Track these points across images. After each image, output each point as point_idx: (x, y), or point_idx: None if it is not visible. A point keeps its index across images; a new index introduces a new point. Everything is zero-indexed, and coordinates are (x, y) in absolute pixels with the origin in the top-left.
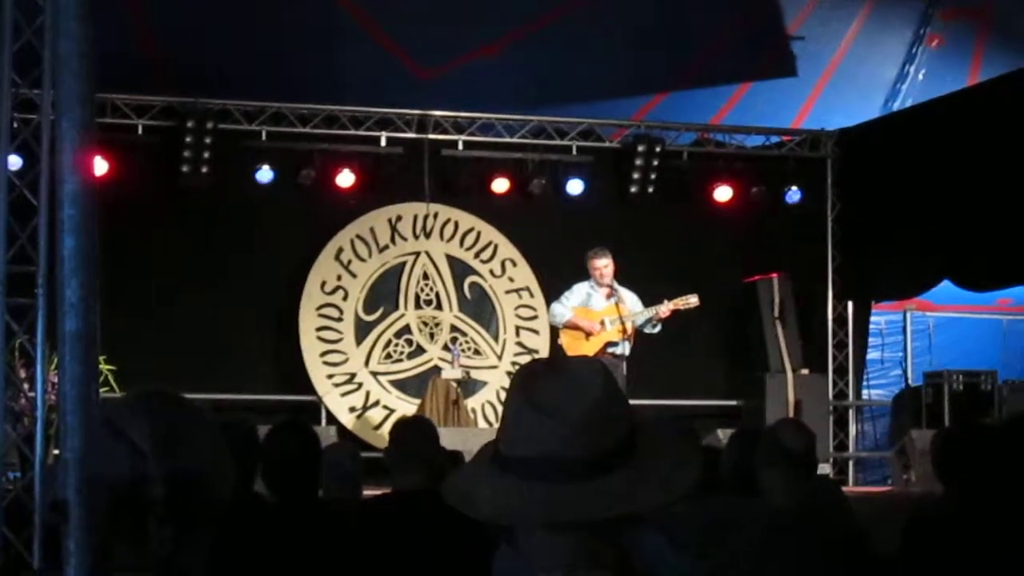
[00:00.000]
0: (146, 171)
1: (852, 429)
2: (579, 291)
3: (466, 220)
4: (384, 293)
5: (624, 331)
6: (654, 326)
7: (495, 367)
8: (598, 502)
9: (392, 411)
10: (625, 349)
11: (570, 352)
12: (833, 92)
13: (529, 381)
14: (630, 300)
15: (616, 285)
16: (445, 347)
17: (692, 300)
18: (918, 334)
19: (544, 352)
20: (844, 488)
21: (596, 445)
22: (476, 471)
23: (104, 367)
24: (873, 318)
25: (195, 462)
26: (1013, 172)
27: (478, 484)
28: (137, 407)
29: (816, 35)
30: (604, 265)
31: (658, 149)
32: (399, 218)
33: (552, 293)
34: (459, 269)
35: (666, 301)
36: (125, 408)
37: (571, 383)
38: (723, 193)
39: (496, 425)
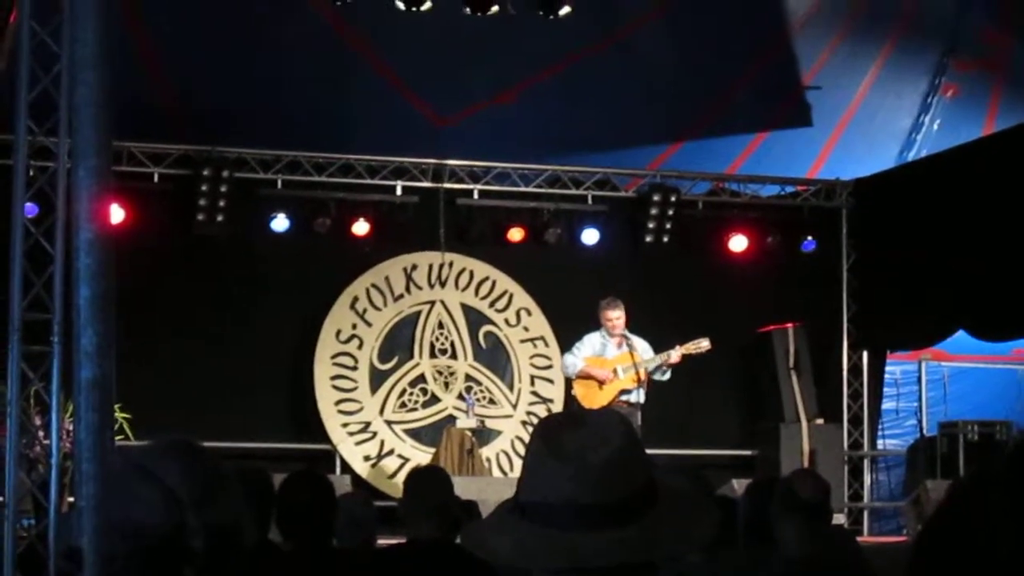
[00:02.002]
0: (162, 219)
1: (867, 479)
2: (591, 341)
3: (481, 269)
4: (399, 342)
5: (638, 378)
6: (664, 372)
7: (510, 416)
8: (616, 550)
9: (407, 460)
10: (640, 397)
11: (584, 402)
12: (848, 142)
13: (550, 431)
14: (641, 347)
15: (628, 334)
16: (460, 396)
17: (704, 344)
18: (933, 384)
19: (559, 401)
20: (859, 538)
21: (616, 493)
22: (496, 520)
23: (119, 415)
24: (888, 368)
25: (229, 512)
26: None
27: (498, 530)
28: (171, 456)
29: (831, 85)
30: (617, 316)
31: (673, 198)
32: (414, 267)
33: (567, 342)
34: (474, 318)
35: (677, 347)
36: (157, 455)
37: (592, 432)
38: (738, 243)
39: (512, 474)
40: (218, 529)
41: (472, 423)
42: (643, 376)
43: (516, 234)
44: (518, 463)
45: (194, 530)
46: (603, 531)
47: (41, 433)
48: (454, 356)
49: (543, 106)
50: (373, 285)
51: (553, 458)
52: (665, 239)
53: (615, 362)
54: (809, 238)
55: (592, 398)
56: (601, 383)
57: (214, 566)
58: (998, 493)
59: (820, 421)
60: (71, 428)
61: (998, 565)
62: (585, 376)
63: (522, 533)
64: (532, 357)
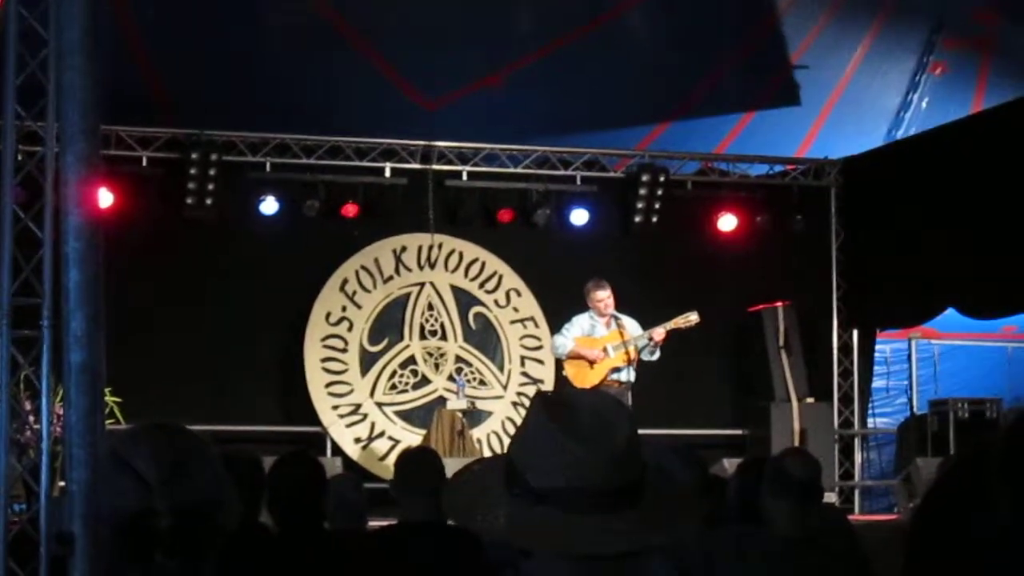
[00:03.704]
0: (151, 203)
1: (858, 458)
2: (579, 322)
3: (470, 250)
4: (389, 324)
5: (628, 356)
6: (652, 352)
7: (500, 397)
8: (630, 532)
9: (397, 442)
10: (630, 375)
11: (575, 382)
12: (837, 121)
13: (559, 412)
14: (631, 326)
15: (616, 313)
16: (450, 377)
17: (692, 318)
18: (923, 362)
19: (549, 382)
20: (850, 516)
21: (629, 476)
22: (486, 495)
23: (109, 399)
24: (878, 346)
25: (199, 494)
26: (1017, 199)
27: (490, 509)
28: (141, 440)
29: (819, 64)
30: (605, 297)
31: (662, 178)
32: (403, 249)
33: (557, 322)
34: (464, 299)
35: (662, 325)
36: (130, 440)
37: (602, 415)
38: (727, 222)
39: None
40: (188, 510)
41: (463, 404)
42: (633, 354)
43: (505, 215)
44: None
45: (160, 511)
46: (614, 514)
47: (32, 418)
48: (444, 337)
49: (531, 88)
50: (363, 267)
51: (571, 441)
52: (654, 219)
53: (605, 340)
54: (798, 217)
55: (583, 378)
56: (591, 363)
57: (186, 547)
58: (994, 470)
59: (810, 400)
60: (62, 412)
61: (995, 541)
62: (575, 356)
63: (519, 513)
64: (522, 338)
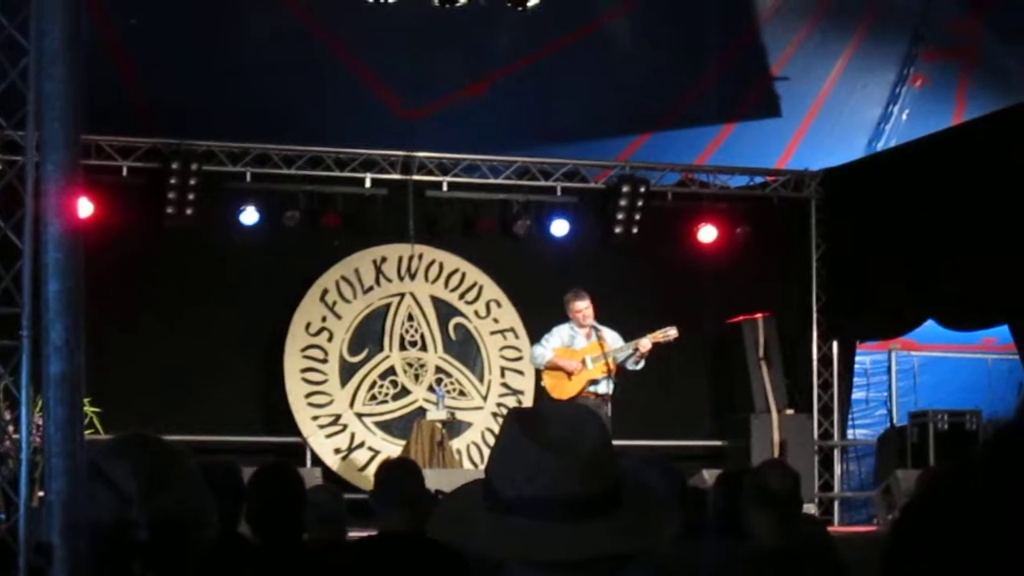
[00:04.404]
0: (131, 212)
1: (837, 469)
2: (559, 333)
3: (451, 261)
4: (369, 334)
5: (607, 368)
6: (636, 363)
7: (480, 408)
8: (602, 541)
9: (377, 452)
10: (608, 388)
11: (553, 393)
12: (817, 132)
13: (529, 423)
14: (611, 338)
15: (597, 325)
16: (430, 388)
17: (671, 332)
18: (903, 374)
19: (529, 393)
20: (829, 528)
21: (600, 485)
22: (465, 510)
23: (89, 409)
24: (858, 358)
25: (178, 506)
26: (997, 211)
27: (470, 524)
28: (119, 451)
29: (800, 75)
30: (583, 307)
31: (643, 189)
32: (384, 259)
33: (537, 333)
34: (444, 310)
35: (647, 335)
36: (108, 452)
37: (571, 425)
38: (707, 233)
39: (483, 466)
40: (166, 520)
41: (442, 415)
42: (612, 366)
43: (486, 226)
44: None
45: (139, 523)
46: (588, 522)
47: (11, 428)
48: (424, 348)
49: (512, 99)
50: (343, 277)
51: (541, 451)
52: (634, 230)
53: (584, 352)
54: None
55: (561, 389)
56: (570, 374)
57: (164, 559)
58: (977, 482)
59: (790, 411)
60: (41, 423)
61: (976, 554)
62: (554, 367)
63: (496, 525)
64: (502, 349)
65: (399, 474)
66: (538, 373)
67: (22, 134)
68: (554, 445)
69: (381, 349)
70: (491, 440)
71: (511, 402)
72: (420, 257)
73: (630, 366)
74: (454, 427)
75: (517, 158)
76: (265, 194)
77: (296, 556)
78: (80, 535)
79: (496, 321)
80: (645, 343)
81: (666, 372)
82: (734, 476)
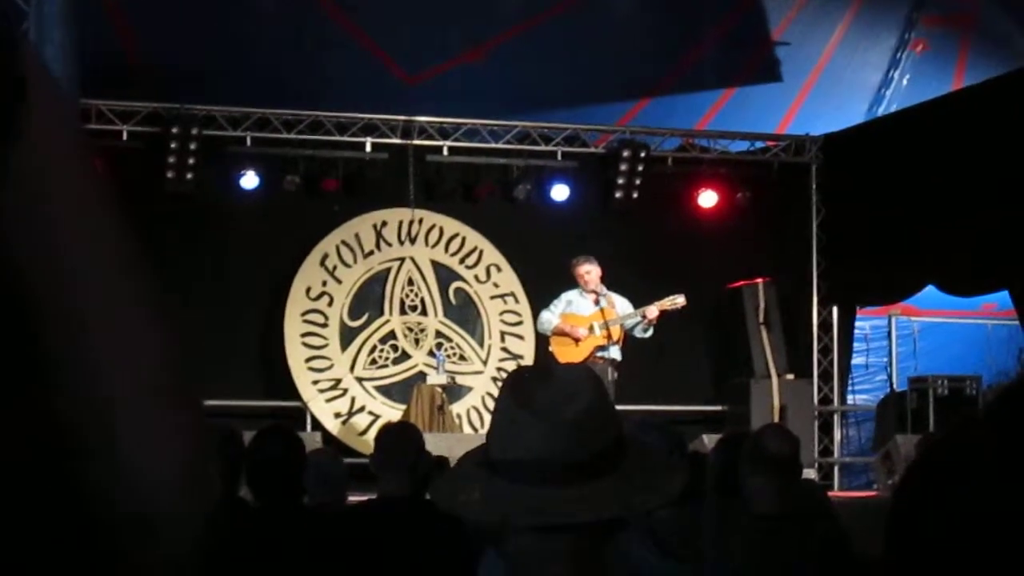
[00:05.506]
0: (131, 177)
1: (837, 434)
2: (566, 298)
3: (451, 226)
4: (369, 299)
5: (610, 335)
6: (645, 330)
7: (480, 373)
8: (587, 505)
9: (377, 417)
10: (615, 353)
11: (561, 359)
12: (818, 97)
13: (520, 387)
14: (620, 304)
15: (604, 290)
16: (430, 353)
17: (679, 300)
18: (903, 339)
19: (529, 357)
20: (829, 493)
21: (587, 449)
22: (465, 475)
23: None
24: (858, 323)
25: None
26: (997, 177)
27: (468, 488)
28: None
29: (801, 41)
30: (588, 271)
31: (643, 154)
32: (384, 224)
33: (537, 298)
34: (444, 275)
35: (654, 303)
36: None
37: (562, 389)
38: (708, 198)
39: (482, 431)
40: None
41: (442, 379)
42: (615, 334)
43: (486, 190)
44: (488, 419)
45: None
46: (574, 486)
47: None
48: (424, 313)
49: (512, 63)
50: (343, 242)
51: (525, 414)
52: (635, 195)
53: (591, 319)
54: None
55: (568, 355)
56: (576, 340)
57: None
58: (980, 444)
59: (790, 376)
60: None
61: (978, 518)
62: (559, 333)
63: (493, 489)
64: (502, 313)
65: (399, 438)
66: (542, 338)
67: None
68: (541, 409)
69: (381, 313)
70: (491, 404)
71: (511, 366)
72: (420, 221)
73: (638, 333)
74: (454, 391)
75: (517, 123)
76: (265, 158)
77: (296, 519)
78: None
79: (496, 286)
80: (652, 310)
81: (666, 337)
82: (734, 440)
